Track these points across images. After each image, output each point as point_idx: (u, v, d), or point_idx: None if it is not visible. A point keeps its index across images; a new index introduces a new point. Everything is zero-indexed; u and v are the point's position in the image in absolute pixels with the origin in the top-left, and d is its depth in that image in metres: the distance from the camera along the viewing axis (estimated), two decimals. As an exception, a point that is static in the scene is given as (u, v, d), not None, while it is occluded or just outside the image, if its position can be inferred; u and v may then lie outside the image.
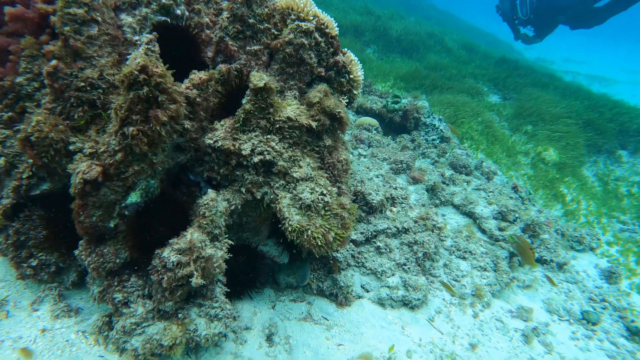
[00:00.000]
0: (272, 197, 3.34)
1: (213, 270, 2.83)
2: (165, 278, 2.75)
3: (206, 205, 2.88)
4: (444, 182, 6.18)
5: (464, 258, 4.79)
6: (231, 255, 3.55)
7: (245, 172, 3.20)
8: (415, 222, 4.54)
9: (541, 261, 5.26)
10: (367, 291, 4.22)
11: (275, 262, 4.03)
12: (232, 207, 3.28)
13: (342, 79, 3.73)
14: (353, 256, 4.37)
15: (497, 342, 3.88)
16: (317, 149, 3.54)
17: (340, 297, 4.11)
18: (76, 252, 2.94)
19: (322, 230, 3.23)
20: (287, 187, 3.33)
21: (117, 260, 2.95)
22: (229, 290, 3.27)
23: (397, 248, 4.43)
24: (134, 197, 2.81)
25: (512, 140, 10.19)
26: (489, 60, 16.03)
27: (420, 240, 4.36)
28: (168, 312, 2.92)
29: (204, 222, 2.87)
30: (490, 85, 13.45)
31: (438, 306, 4.20)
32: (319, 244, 3.22)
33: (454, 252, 4.81)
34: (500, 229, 5.37)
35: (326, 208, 3.32)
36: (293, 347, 3.46)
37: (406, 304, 4.16)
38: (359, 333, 3.72)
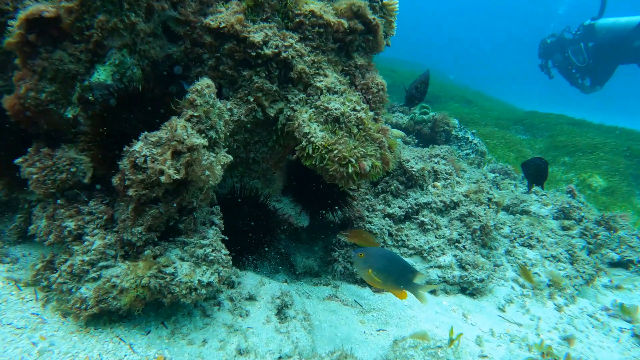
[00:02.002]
0: (289, 114, 2.53)
1: (202, 175, 1.95)
2: (134, 183, 1.88)
3: (199, 92, 2.08)
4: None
5: (529, 246, 3.76)
6: (233, 206, 2.67)
7: (253, 74, 2.43)
8: (466, 196, 3.61)
9: (623, 263, 4.16)
10: (411, 274, 3.19)
11: (290, 232, 3.10)
12: (236, 119, 2.47)
13: (375, 4, 3.07)
14: (390, 234, 3.41)
15: (600, 340, 2.77)
16: (347, 69, 2.78)
17: (375, 280, 3.10)
18: (18, 160, 2.12)
19: (357, 153, 2.37)
20: (308, 101, 2.53)
21: (74, 173, 2.11)
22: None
23: (446, 225, 3.46)
24: (102, 73, 2.04)
25: (550, 170, 9.29)
26: (517, 111, 15.53)
27: (476, 212, 3.40)
28: (135, 245, 2.00)
29: (195, 114, 2.06)
30: (518, 127, 12.80)
31: (507, 294, 3.14)
32: (350, 171, 2.34)
33: (515, 238, 3.80)
34: (565, 228, 4.35)
35: (360, 126, 2.48)
36: (315, 327, 2.44)
37: (465, 288, 3.11)
38: (407, 317, 2.68)
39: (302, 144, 2.38)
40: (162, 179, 1.82)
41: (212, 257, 2.10)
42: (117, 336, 1.98)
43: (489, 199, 3.65)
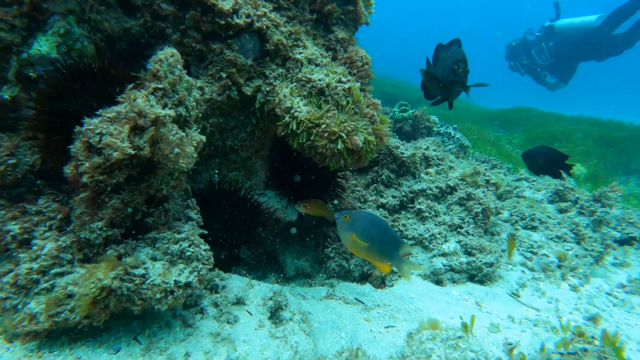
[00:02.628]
0: (267, 89, 2.26)
1: (171, 153, 1.64)
2: (88, 168, 1.56)
3: (162, 61, 1.78)
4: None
5: (533, 228, 3.54)
6: (211, 202, 2.36)
7: (225, 47, 2.16)
8: (462, 180, 3.38)
9: (626, 241, 4.00)
10: (414, 266, 2.92)
11: (277, 229, 2.79)
12: (208, 98, 2.18)
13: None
14: (386, 225, 3.13)
15: (625, 318, 2.54)
16: (328, 43, 2.54)
17: (374, 276, 2.81)
18: (-54, 156, 1.76)
19: (347, 127, 2.11)
20: (288, 75, 2.27)
21: (15, 165, 1.77)
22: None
23: (445, 212, 3.21)
24: (43, 44, 1.73)
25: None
26: (490, 111, 15.64)
27: (476, 195, 3.17)
28: (94, 244, 1.67)
29: (159, 86, 1.75)
30: (493, 125, 12.87)
31: (519, 278, 2.89)
32: (340, 147, 2.08)
33: (516, 221, 3.58)
34: (562, 211, 4.16)
35: (348, 98, 2.23)
36: (315, 329, 2.12)
37: (473, 275, 2.84)
38: (415, 309, 2.39)
39: (284, 120, 2.10)
40: (115, 154, 1.50)
41: (190, 253, 1.78)
42: (78, 358, 1.62)
43: (487, 181, 3.43)
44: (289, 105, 2.10)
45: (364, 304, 2.47)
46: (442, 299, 2.52)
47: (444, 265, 2.82)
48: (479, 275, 2.81)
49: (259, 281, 2.36)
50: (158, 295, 1.67)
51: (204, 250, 1.85)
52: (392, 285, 2.76)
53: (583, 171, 8.77)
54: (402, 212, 3.24)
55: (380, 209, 3.14)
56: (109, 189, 1.62)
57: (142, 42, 2.15)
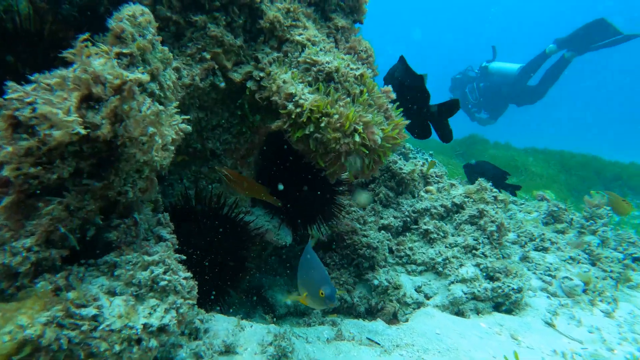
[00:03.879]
0: (261, 74, 1.82)
1: (143, 135, 1.14)
2: (13, 155, 1.03)
3: (128, 20, 1.30)
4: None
5: (544, 249, 3.21)
6: (185, 220, 1.86)
7: (209, 20, 1.72)
8: (467, 196, 3.03)
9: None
10: (428, 296, 2.47)
11: (263, 256, 2.28)
12: (187, 83, 1.70)
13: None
14: (391, 250, 2.69)
15: (674, 345, 2.18)
16: (327, 31, 2.17)
17: (385, 311, 2.33)
18: None
19: (362, 118, 1.70)
20: (286, 60, 1.85)
21: None
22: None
23: (452, 233, 2.82)
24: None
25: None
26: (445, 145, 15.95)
27: (488, 212, 2.81)
28: (18, 273, 1.10)
29: (124, 51, 1.27)
30: (458, 155, 13.03)
31: (548, 305, 2.50)
32: (357, 142, 1.66)
33: (526, 243, 3.24)
34: (559, 233, 3.90)
35: (361, 87, 1.83)
36: (332, 382, 1.60)
37: (499, 303, 2.42)
38: (447, 349, 1.92)
39: (287, 109, 1.65)
40: (57, 134, 1.00)
41: (166, 283, 1.25)
42: None
43: (494, 197, 3.09)
44: (292, 92, 1.67)
45: (380, 345, 1.97)
46: (472, 334, 2.07)
47: (465, 294, 2.39)
48: (506, 304, 2.40)
49: (249, 321, 1.83)
50: (117, 347, 1.12)
51: (185, 278, 1.33)
52: (406, 320, 2.29)
53: (552, 197, 8.83)
54: (407, 233, 2.82)
55: (383, 231, 2.70)
56: (39, 190, 1.09)
57: (100, 12, 1.67)
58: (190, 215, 1.90)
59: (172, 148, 1.34)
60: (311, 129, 1.64)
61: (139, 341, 1.16)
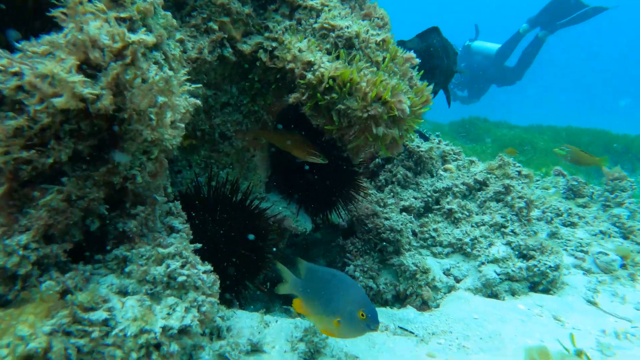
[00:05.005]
0: (273, 45, 1.64)
1: (153, 106, 0.98)
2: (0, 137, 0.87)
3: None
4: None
5: (572, 224, 3.06)
6: (196, 209, 1.70)
7: (213, -16, 1.54)
8: (490, 172, 2.86)
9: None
10: (458, 279, 2.32)
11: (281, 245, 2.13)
12: (194, 57, 1.53)
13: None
14: (414, 233, 2.54)
15: None
16: None
17: (415, 295, 2.18)
18: None
19: (390, 86, 1.53)
20: (300, 28, 1.67)
21: None
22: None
23: (478, 211, 2.66)
24: None
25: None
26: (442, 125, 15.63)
27: (515, 187, 2.64)
28: (14, 274, 0.95)
29: (122, 15, 1.10)
30: (460, 137, 12.80)
31: (587, 283, 2.35)
32: (385, 115, 1.50)
33: (552, 219, 3.08)
34: (581, 207, 3.74)
35: (384, 54, 1.66)
36: (371, 378, 1.45)
37: (535, 283, 2.27)
38: (489, 335, 1.77)
39: (306, 78, 1.48)
40: (59, 101, 0.84)
41: (184, 278, 1.09)
42: None
43: (519, 172, 2.93)
44: (311, 59, 1.49)
45: (414, 333, 1.83)
46: (512, 317, 1.93)
47: (498, 274, 2.24)
48: (543, 283, 2.25)
49: (272, 315, 1.68)
50: (134, 355, 0.97)
51: (205, 272, 1.17)
52: (437, 306, 2.14)
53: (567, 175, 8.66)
54: (429, 215, 2.66)
55: (404, 213, 2.54)
56: (33, 178, 0.93)
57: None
58: (203, 204, 1.74)
59: (182, 125, 1.18)
60: (334, 98, 1.47)
61: (158, 346, 1.01)
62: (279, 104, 1.84)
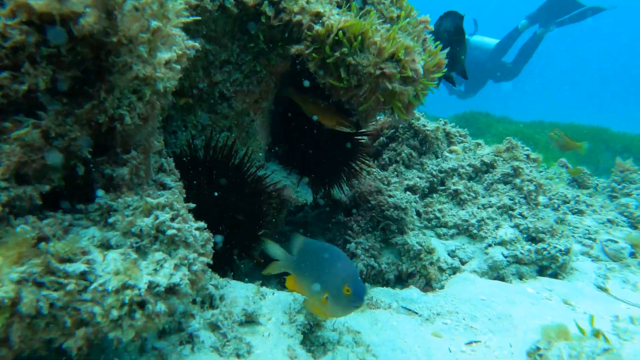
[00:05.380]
0: (279, -5, 1.52)
1: (143, 31, 0.86)
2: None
3: None
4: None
5: (580, 212, 2.97)
6: (191, 174, 1.59)
7: None
8: (496, 155, 2.76)
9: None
10: (463, 261, 2.22)
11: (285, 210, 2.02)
12: (194, 3, 1.41)
13: None
14: (418, 213, 2.44)
15: None
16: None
17: (418, 275, 2.09)
18: None
19: (403, 44, 1.41)
20: (308, -21, 1.54)
21: None
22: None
23: (484, 194, 2.56)
24: None
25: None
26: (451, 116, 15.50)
27: (524, 169, 2.54)
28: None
29: None
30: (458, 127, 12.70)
31: (598, 269, 2.27)
32: (398, 74, 1.39)
33: (559, 205, 2.99)
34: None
35: (398, 11, 1.54)
36: (380, 356, 1.34)
37: (544, 267, 2.18)
38: (497, 316, 1.68)
39: (314, 30, 1.36)
40: (39, 4, 0.71)
41: (174, 232, 0.97)
42: None
43: (527, 156, 2.83)
44: (320, 10, 1.37)
45: (417, 313, 1.73)
46: (521, 300, 1.83)
47: (505, 257, 2.14)
48: (552, 267, 2.15)
49: (269, 288, 1.57)
50: (115, 313, 0.86)
51: (197, 228, 1.06)
52: (442, 287, 2.05)
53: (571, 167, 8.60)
54: (434, 195, 2.56)
55: (408, 192, 2.44)
56: (4, 107, 0.82)
57: None
58: (198, 167, 1.62)
59: (178, 67, 1.06)
60: (344, 53, 1.36)
61: (142, 304, 0.90)
62: (283, 64, 1.72)
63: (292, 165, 1.98)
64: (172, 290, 0.95)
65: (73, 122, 0.92)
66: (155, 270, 0.93)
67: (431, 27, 1.72)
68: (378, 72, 1.36)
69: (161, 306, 0.92)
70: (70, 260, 0.88)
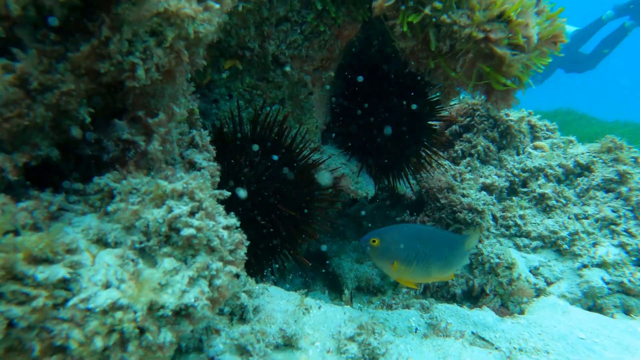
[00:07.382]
0: None
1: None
2: None
3: None
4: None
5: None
6: (233, 152, 1.31)
7: None
8: (595, 156, 2.30)
9: None
10: (549, 281, 1.83)
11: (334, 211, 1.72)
12: None
13: None
14: (495, 217, 2.05)
15: None
16: None
17: (493, 294, 1.72)
18: None
19: (516, 1, 1.03)
20: None
21: None
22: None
23: (576, 201, 2.12)
24: None
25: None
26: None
27: (632, 176, 2.08)
28: None
29: None
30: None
31: None
32: (505, 40, 1.01)
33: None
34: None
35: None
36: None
37: (658, 301, 1.75)
38: (605, 365, 1.29)
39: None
40: None
41: (193, 232, 0.70)
42: None
43: (635, 160, 2.34)
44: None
45: (494, 346, 1.38)
46: (635, 344, 1.43)
47: (607, 283, 1.72)
48: (670, 302, 1.71)
49: (317, 300, 1.28)
50: (99, 342, 0.60)
51: (226, 227, 0.78)
52: (521, 312, 1.67)
53: None
54: (514, 198, 2.16)
55: (484, 192, 2.05)
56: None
57: None
58: (241, 145, 1.35)
59: (217, 7, 0.77)
60: (437, 8, 1.01)
61: (141, 332, 0.63)
62: (353, 26, 1.40)
63: (352, 150, 1.66)
64: (183, 314, 0.68)
65: (65, 70, 0.66)
66: (162, 285, 0.66)
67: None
68: (482, 35, 1.01)
69: (166, 335, 0.66)
70: (47, 261, 0.63)
